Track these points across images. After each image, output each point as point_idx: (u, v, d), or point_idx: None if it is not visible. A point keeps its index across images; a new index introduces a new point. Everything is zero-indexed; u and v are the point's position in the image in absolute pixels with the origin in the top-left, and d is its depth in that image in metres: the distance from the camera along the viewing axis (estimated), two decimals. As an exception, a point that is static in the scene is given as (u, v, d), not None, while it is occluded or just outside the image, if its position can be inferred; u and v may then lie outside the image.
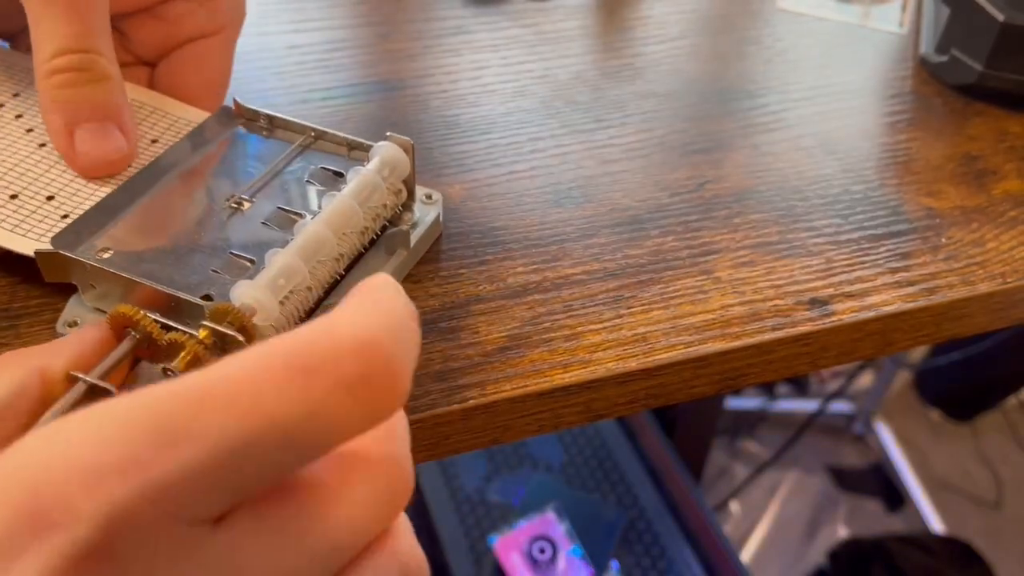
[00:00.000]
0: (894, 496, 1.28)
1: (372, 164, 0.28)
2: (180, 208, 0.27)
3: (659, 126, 0.38)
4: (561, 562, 0.73)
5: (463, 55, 0.42)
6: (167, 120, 0.31)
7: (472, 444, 0.27)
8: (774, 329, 0.28)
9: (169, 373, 0.22)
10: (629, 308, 0.29)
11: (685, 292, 0.29)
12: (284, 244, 0.25)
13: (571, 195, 0.33)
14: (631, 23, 0.46)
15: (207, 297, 0.24)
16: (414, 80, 0.40)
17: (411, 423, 0.25)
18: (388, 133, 0.28)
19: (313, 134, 0.30)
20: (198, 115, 0.31)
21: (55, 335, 0.26)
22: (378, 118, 0.37)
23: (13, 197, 0.27)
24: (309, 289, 0.25)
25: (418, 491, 0.79)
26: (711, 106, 0.39)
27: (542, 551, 0.73)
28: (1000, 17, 0.38)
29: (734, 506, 1.23)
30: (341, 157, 0.30)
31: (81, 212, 0.26)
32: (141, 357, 0.23)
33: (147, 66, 0.32)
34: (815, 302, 0.29)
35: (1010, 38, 0.39)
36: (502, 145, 0.36)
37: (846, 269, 0.31)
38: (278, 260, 0.24)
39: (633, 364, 0.27)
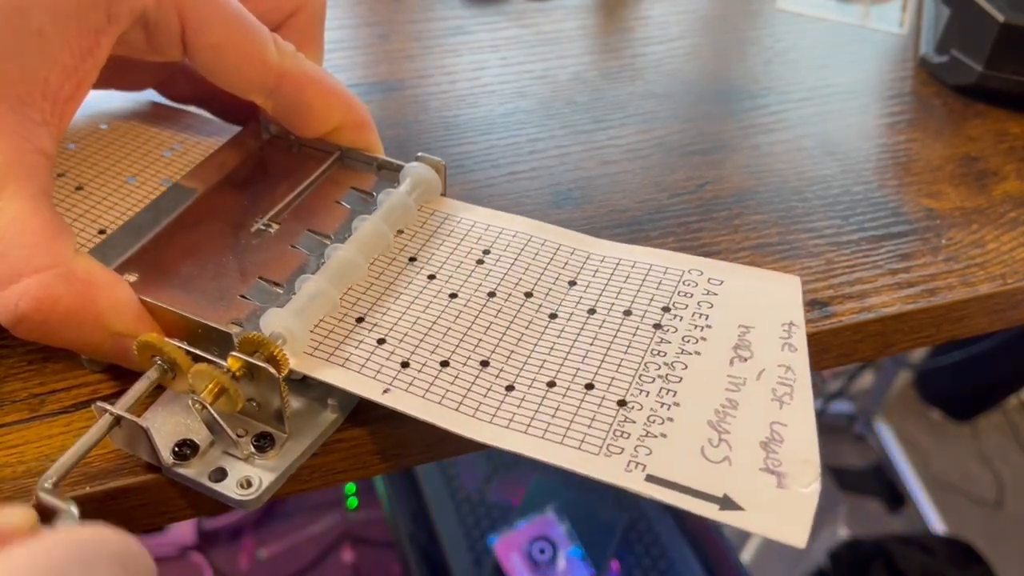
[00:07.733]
0: (894, 496, 1.28)
1: (403, 186, 0.27)
2: (207, 230, 0.27)
3: (659, 127, 0.38)
4: (561, 562, 0.73)
5: (462, 55, 0.42)
6: (192, 140, 0.31)
7: (472, 446, 0.27)
8: (774, 330, 0.28)
9: (197, 404, 0.22)
10: (628, 309, 0.29)
11: (685, 293, 0.29)
12: (314, 268, 0.25)
13: (571, 196, 0.33)
14: (631, 23, 0.46)
15: (235, 324, 0.23)
16: (413, 81, 0.40)
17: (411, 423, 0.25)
18: (419, 154, 0.28)
19: (341, 153, 0.29)
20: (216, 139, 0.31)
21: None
22: (377, 119, 0.36)
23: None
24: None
25: (418, 491, 0.79)
26: (711, 107, 0.39)
27: (542, 551, 0.73)
28: (1000, 17, 0.38)
29: (734, 506, 1.23)
30: (370, 176, 0.29)
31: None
32: (167, 386, 0.23)
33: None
34: (815, 303, 0.29)
35: (1010, 38, 0.39)
36: (501, 146, 0.36)
37: (846, 270, 0.31)
38: (309, 288, 0.24)
39: (632, 366, 0.27)
